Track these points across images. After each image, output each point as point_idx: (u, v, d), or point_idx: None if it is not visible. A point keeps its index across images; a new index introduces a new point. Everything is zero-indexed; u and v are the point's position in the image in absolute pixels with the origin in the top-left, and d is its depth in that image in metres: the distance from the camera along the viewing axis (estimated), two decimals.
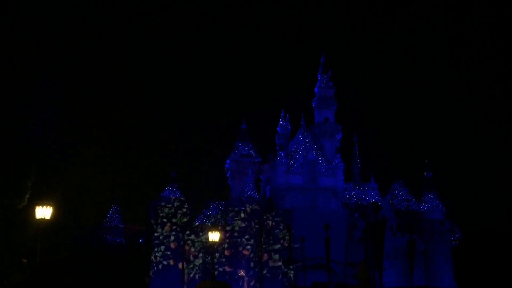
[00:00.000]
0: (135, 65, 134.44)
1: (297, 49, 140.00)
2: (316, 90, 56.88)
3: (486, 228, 56.99)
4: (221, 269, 46.64)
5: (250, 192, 48.80)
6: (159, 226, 47.91)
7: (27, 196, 28.90)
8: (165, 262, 47.15)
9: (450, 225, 51.57)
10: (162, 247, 47.48)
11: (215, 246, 42.76)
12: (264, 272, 46.76)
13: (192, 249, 48.30)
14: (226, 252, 47.43)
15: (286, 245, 47.33)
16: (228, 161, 55.44)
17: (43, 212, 20.71)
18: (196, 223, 49.54)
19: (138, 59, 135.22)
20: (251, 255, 47.05)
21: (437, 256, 50.37)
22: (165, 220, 48.06)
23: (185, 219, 48.68)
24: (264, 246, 47.42)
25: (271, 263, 46.85)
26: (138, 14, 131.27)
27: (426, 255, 50.71)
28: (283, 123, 57.96)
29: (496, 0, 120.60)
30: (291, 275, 46.66)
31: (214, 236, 32.57)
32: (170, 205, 48.34)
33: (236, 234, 47.31)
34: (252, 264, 46.88)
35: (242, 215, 47.69)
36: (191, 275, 47.74)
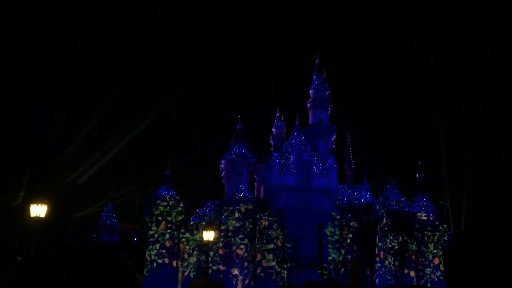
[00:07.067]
0: (132, 64, 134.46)
1: (292, 50, 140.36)
2: (311, 91, 57.13)
3: (477, 229, 57.53)
4: (215, 267, 47.03)
5: (245, 192, 49.09)
6: (154, 224, 48.20)
7: (22, 194, 29.16)
8: (159, 261, 47.46)
9: (441, 226, 52.15)
10: (157, 246, 47.76)
11: (210, 245, 43.15)
12: (258, 271, 47.11)
13: (187, 248, 48.64)
14: (220, 251, 47.80)
15: (280, 244, 47.69)
16: (223, 161, 55.65)
17: (38, 210, 21.01)
18: (191, 222, 49.83)
19: (135, 58, 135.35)
20: (245, 254, 47.40)
21: (428, 257, 50.89)
22: (160, 218, 48.34)
23: (180, 218, 48.95)
24: (258, 246, 47.77)
25: (264, 263, 47.19)
26: (135, 13, 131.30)
27: (418, 255, 51.21)
28: (278, 123, 58.18)
29: (495, 2, 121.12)
30: (285, 274, 47.01)
31: (208, 235, 33.01)
32: (165, 204, 48.60)
33: (230, 234, 47.65)
34: (246, 263, 47.24)
35: (237, 214, 48.00)
36: (186, 274, 48.08)
